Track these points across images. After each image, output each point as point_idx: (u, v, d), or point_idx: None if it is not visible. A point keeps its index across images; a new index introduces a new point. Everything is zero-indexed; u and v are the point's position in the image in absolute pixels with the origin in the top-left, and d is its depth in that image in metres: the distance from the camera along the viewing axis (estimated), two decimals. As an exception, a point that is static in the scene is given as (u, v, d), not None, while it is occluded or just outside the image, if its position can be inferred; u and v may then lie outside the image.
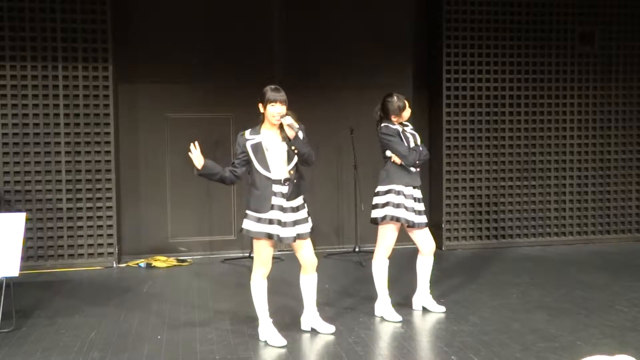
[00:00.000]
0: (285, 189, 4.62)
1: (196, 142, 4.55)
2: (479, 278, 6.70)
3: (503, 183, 8.47)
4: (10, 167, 7.22)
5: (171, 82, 7.87)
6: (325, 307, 5.58)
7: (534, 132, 8.52)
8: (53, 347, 4.71)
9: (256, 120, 4.74)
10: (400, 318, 5.23)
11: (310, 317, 4.98)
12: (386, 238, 5.28)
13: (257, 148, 4.61)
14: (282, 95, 4.59)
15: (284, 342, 4.68)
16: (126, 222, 7.84)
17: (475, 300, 5.87)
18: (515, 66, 8.40)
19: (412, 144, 5.32)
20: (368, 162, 7.94)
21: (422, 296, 5.54)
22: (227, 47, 7.98)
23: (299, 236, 4.69)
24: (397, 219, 5.20)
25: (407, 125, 5.44)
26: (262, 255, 4.70)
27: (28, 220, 6.55)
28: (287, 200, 4.61)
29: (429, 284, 5.53)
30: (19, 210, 6.77)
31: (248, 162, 4.64)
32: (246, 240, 7.79)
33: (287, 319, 5.20)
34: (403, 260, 6.33)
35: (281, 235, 4.62)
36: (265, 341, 4.74)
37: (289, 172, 4.63)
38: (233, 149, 4.68)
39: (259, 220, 4.62)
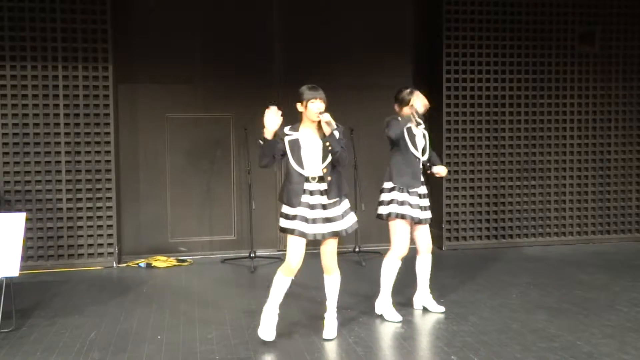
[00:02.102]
0: (316, 187, 4.67)
1: (276, 107, 4.54)
2: (479, 278, 6.70)
3: (503, 183, 8.47)
4: (10, 167, 7.22)
5: (171, 82, 7.88)
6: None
7: (534, 132, 8.52)
8: (53, 347, 4.71)
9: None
10: (400, 318, 5.23)
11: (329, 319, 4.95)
12: (397, 234, 5.25)
13: (294, 144, 4.68)
14: (321, 92, 4.71)
15: (269, 337, 4.71)
16: (126, 222, 7.84)
17: (475, 300, 5.87)
18: (515, 66, 8.40)
19: (418, 144, 5.34)
20: (368, 162, 7.95)
21: (423, 296, 5.54)
22: (227, 47, 7.98)
23: (327, 235, 4.69)
24: (403, 216, 5.22)
25: (420, 124, 5.45)
26: (290, 251, 4.68)
27: (28, 220, 6.55)
28: (328, 198, 4.66)
29: (428, 283, 5.54)
30: (19, 210, 6.77)
31: (284, 154, 4.71)
32: (246, 241, 7.80)
33: (287, 318, 5.20)
34: (404, 261, 6.31)
35: (306, 232, 4.64)
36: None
37: (323, 169, 4.68)
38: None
39: (288, 216, 4.67)
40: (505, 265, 7.34)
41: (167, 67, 7.82)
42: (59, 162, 7.32)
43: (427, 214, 5.40)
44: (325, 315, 4.93)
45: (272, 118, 4.52)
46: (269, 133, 4.55)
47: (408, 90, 5.33)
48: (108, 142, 7.41)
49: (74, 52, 7.31)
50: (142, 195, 7.92)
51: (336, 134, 4.65)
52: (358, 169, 7.61)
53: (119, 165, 7.73)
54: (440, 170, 5.58)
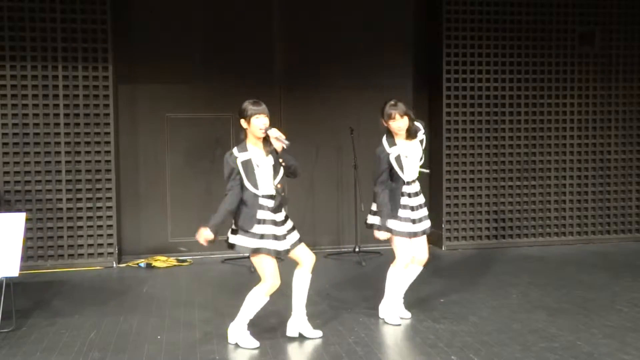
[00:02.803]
0: (272, 203, 4.61)
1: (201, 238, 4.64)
2: (479, 278, 6.70)
3: (503, 183, 8.47)
4: (10, 167, 7.22)
5: (171, 82, 7.87)
6: (325, 307, 5.59)
7: (534, 132, 8.52)
8: (53, 347, 4.71)
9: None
10: (400, 322, 5.20)
11: (298, 321, 4.89)
12: (396, 247, 5.15)
13: (247, 165, 4.58)
14: (264, 107, 4.60)
15: (256, 344, 4.66)
16: (126, 222, 7.83)
17: (475, 300, 5.87)
18: (515, 66, 8.40)
19: (412, 162, 5.11)
20: (368, 162, 7.91)
21: (398, 306, 5.33)
22: (227, 47, 7.98)
23: (292, 246, 4.72)
24: (413, 234, 5.13)
25: (413, 136, 5.13)
26: (270, 271, 4.62)
27: (28, 220, 6.55)
28: (274, 213, 4.61)
29: (403, 294, 5.36)
30: (19, 210, 6.77)
31: (241, 180, 4.60)
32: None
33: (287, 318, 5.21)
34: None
35: (278, 249, 4.61)
36: (236, 343, 4.71)
37: (276, 186, 4.63)
38: (224, 172, 4.62)
39: (251, 235, 4.58)
40: (505, 265, 7.34)
41: (167, 67, 7.82)
42: (59, 162, 7.32)
43: (422, 226, 5.18)
44: (300, 315, 4.90)
45: (206, 237, 4.61)
46: (211, 238, 4.62)
47: (391, 103, 5.04)
48: (108, 142, 7.41)
49: (74, 52, 7.31)
50: (142, 195, 7.91)
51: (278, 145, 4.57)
52: (358, 169, 7.61)
53: (119, 165, 7.73)
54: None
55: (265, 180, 4.61)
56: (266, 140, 4.61)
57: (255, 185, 4.58)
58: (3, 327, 5.05)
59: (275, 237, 4.60)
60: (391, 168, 5.07)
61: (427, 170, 5.48)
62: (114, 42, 7.45)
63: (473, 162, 8.36)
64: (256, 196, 4.58)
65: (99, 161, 7.41)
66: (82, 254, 7.41)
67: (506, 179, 8.48)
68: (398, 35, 8.47)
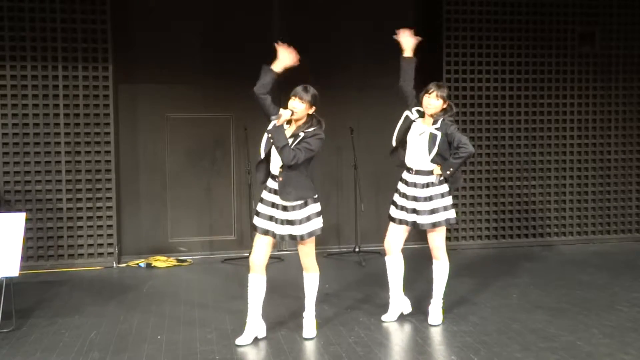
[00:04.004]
0: (274, 185, 4.64)
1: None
2: (479, 278, 6.70)
3: (503, 183, 8.47)
4: (10, 167, 7.22)
5: (171, 82, 7.87)
6: (325, 307, 5.59)
7: (534, 132, 8.52)
8: (53, 347, 4.71)
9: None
10: (391, 319, 5.22)
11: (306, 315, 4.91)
12: (387, 232, 5.25)
13: (272, 129, 4.53)
14: (302, 92, 4.63)
15: (246, 341, 4.70)
16: (126, 222, 7.83)
17: (475, 300, 5.87)
18: (515, 66, 8.40)
19: (415, 142, 5.08)
20: (368, 162, 7.95)
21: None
22: (228, 47, 7.97)
23: (291, 237, 4.68)
24: (392, 218, 5.18)
25: (435, 123, 5.05)
26: (254, 246, 4.73)
27: (28, 220, 6.55)
28: (281, 198, 4.60)
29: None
30: (19, 210, 6.77)
31: (268, 106, 4.55)
32: (246, 241, 7.81)
33: (287, 318, 5.20)
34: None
35: (267, 229, 4.67)
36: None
37: (280, 168, 4.58)
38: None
39: (257, 212, 4.71)
40: (506, 265, 7.34)
41: (167, 67, 7.81)
42: (59, 162, 7.32)
43: (422, 219, 5.03)
44: (304, 314, 4.90)
45: (287, 55, 4.62)
46: (278, 65, 4.59)
47: (438, 83, 5.17)
48: (108, 142, 7.41)
49: (74, 52, 7.31)
50: (142, 195, 7.91)
51: (287, 130, 4.55)
52: (358, 169, 7.61)
53: (119, 165, 7.73)
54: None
55: (276, 159, 4.58)
56: (297, 123, 4.62)
57: (264, 152, 4.60)
58: (3, 327, 5.05)
59: (272, 219, 4.63)
60: (404, 134, 5.10)
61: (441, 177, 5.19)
62: (114, 42, 7.45)
63: (473, 162, 8.36)
64: (267, 167, 4.65)
65: (99, 161, 7.41)
66: (82, 254, 7.42)
67: (506, 179, 8.48)
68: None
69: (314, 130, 4.59)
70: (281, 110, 4.54)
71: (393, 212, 5.19)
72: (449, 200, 5.10)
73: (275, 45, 4.53)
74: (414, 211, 5.07)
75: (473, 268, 7.18)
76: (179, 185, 7.97)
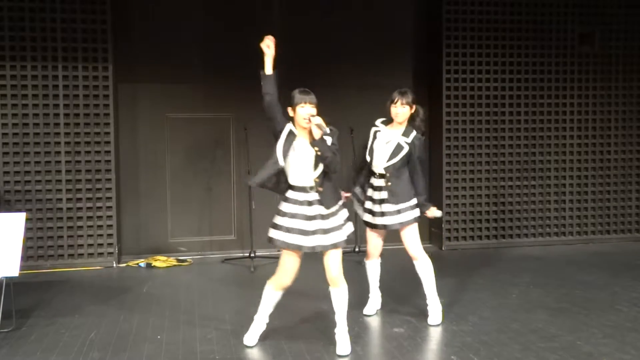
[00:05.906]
0: (310, 197, 4.47)
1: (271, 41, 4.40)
2: (479, 278, 6.70)
3: (503, 183, 8.47)
4: (10, 167, 7.22)
5: (171, 82, 7.87)
6: (325, 307, 5.58)
7: (534, 132, 8.52)
8: (53, 347, 4.71)
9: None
10: (370, 313, 5.40)
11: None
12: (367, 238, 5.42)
13: (290, 137, 4.43)
14: (312, 96, 4.45)
15: (251, 342, 4.71)
16: (126, 222, 7.83)
17: (475, 300, 5.87)
18: (515, 66, 8.40)
19: (381, 149, 5.16)
20: (368, 162, 7.93)
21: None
22: (227, 47, 7.97)
23: (323, 247, 4.46)
24: (366, 223, 5.31)
25: (407, 134, 5.15)
26: (283, 265, 4.57)
27: (28, 220, 6.55)
28: (326, 207, 4.47)
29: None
30: (19, 210, 6.76)
31: (275, 119, 4.43)
32: (246, 241, 7.80)
33: (286, 319, 5.20)
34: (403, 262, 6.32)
35: (301, 244, 4.43)
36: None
37: (315, 179, 4.44)
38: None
39: (282, 227, 4.48)
40: (505, 265, 7.34)
41: (167, 67, 7.81)
42: (59, 162, 7.32)
43: (390, 220, 5.09)
44: (335, 330, 4.62)
45: (266, 47, 4.37)
46: (268, 62, 4.39)
47: (402, 90, 5.16)
48: (108, 142, 7.41)
49: (74, 52, 7.31)
50: (142, 195, 7.91)
51: (328, 139, 4.40)
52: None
53: (119, 165, 7.73)
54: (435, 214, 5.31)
55: (303, 170, 4.44)
56: (311, 132, 4.44)
57: (282, 160, 4.42)
58: (3, 327, 5.05)
59: (301, 232, 4.43)
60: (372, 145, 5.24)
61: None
62: (114, 42, 7.45)
63: (473, 162, 8.36)
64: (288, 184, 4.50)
65: (99, 161, 7.41)
66: (82, 254, 7.42)
67: (506, 179, 8.48)
68: (398, 35, 8.46)
69: (332, 132, 4.48)
70: (314, 120, 4.38)
71: (366, 217, 5.28)
72: (414, 200, 5.18)
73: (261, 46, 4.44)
74: (382, 214, 5.16)
75: (473, 268, 7.18)
76: (179, 185, 7.97)
